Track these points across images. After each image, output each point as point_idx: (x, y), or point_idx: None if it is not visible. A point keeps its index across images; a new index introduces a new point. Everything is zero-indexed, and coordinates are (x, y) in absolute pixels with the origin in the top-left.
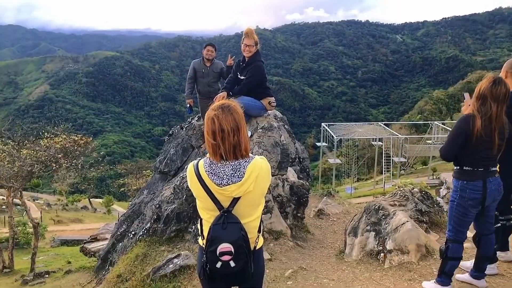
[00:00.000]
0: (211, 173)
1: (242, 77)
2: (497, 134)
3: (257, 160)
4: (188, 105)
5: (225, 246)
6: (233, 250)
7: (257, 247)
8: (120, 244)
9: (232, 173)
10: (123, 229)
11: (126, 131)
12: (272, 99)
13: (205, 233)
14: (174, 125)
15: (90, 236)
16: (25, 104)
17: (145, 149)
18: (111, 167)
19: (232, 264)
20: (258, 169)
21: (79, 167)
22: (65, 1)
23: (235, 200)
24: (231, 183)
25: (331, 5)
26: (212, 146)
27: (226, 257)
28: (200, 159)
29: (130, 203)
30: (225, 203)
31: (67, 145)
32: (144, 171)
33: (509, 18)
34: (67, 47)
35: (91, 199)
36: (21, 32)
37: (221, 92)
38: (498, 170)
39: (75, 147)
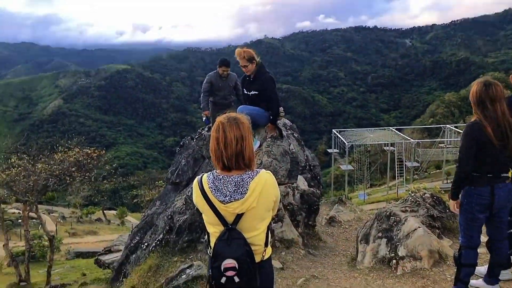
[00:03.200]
0: (214, 189)
1: (251, 93)
2: (510, 134)
3: (261, 175)
4: (205, 117)
5: (229, 262)
6: (237, 266)
7: (265, 258)
8: (134, 255)
9: (235, 189)
10: (136, 240)
11: (139, 143)
12: (281, 108)
13: (212, 246)
14: (186, 135)
15: (104, 248)
16: (40, 119)
17: (157, 160)
18: (124, 178)
19: (236, 279)
20: (262, 184)
21: (93, 180)
22: (78, 17)
23: (239, 216)
24: (233, 200)
25: (341, 12)
26: (215, 153)
27: (230, 273)
28: (203, 174)
29: (143, 214)
30: (229, 219)
31: (80, 159)
32: (156, 182)
33: None
34: (80, 62)
35: (105, 211)
36: (35, 49)
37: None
38: (510, 176)
39: (88, 160)
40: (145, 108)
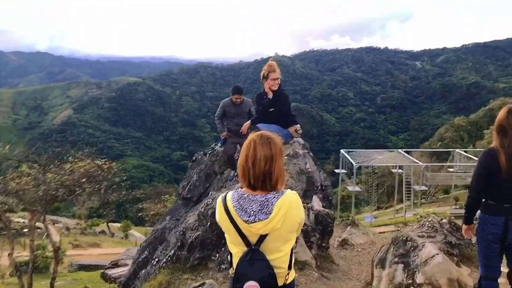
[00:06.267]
0: (239, 208)
1: (270, 110)
2: None
3: (286, 195)
4: (222, 138)
5: (251, 284)
6: None
7: (288, 282)
8: (143, 271)
9: (259, 209)
10: (144, 255)
11: (145, 156)
12: (298, 126)
13: (234, 266)
14: (193, 149)
15: (111, 262)
16: (49, 128)
17: (163, 174)
18: (130, 191)
19: None
20: (287, 205)
21: (102, 192)
22: (94, 30)
23: (263, 237)
24: (257, 220)
25: (355, 32)
26: (243, 169)
27: None
28: (228, 192)
29: (152, 228)
30: (253, 239)
31: (90, 170)
32: (162, 196)
33: None
34: (92, 73)
35: (109, 224)
36: (49, 59)
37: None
38: None
39: (99, 172)
40: (154, 121)
